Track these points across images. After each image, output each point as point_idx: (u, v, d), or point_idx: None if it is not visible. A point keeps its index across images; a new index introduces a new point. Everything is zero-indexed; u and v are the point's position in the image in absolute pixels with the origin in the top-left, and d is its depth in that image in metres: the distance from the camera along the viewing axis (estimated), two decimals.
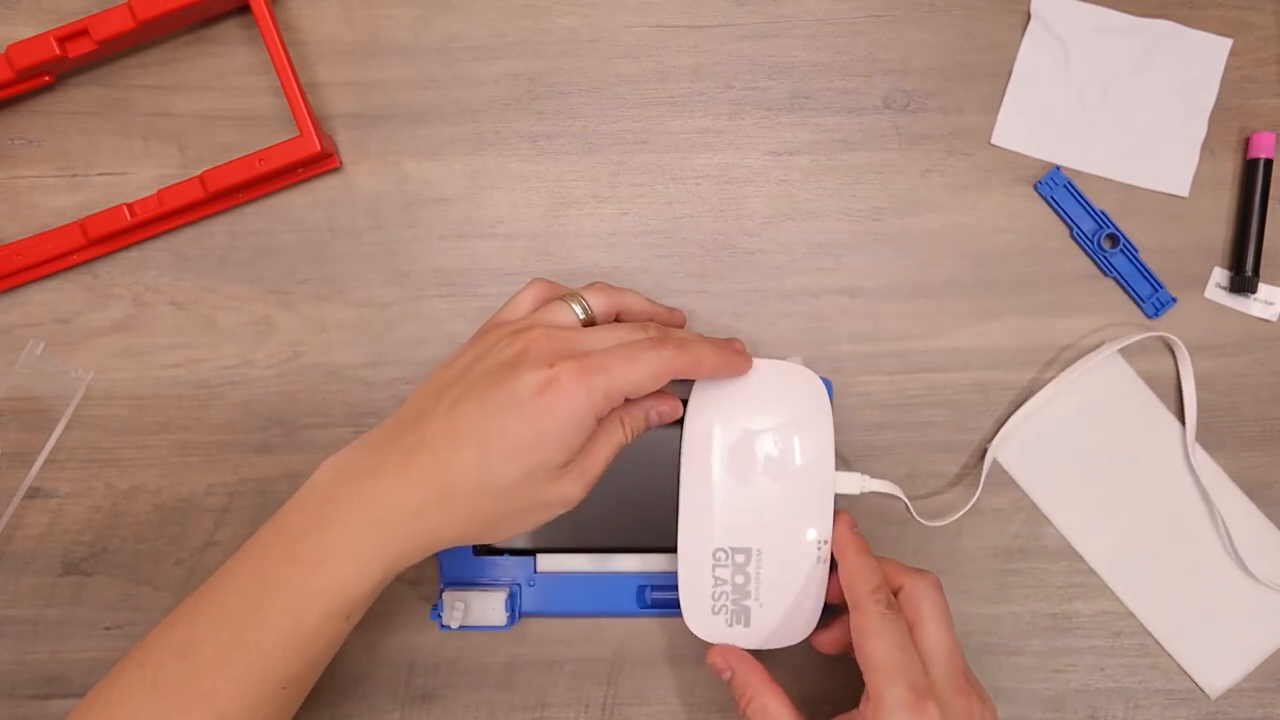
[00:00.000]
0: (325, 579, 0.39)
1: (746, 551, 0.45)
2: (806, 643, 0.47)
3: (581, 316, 0.42)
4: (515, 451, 0.38)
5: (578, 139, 0.53)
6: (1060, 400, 0.52)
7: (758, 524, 0.45)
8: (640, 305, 0.45)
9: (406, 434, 0.39)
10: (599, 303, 0.43)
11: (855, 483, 0.47)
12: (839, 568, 0.45)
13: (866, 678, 0.42)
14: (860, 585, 0.43)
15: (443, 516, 0.39)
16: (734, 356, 0.44)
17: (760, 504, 0.45)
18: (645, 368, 0.39)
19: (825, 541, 0.45)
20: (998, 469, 0.52)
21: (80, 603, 0.52)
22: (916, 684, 0.41)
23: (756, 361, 0.46)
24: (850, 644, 0.43)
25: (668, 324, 0.46)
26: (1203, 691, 0.51)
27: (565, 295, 0.43)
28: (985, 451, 0.52)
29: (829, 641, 0.47)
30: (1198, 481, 0.52)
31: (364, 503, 0.39)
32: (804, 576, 0.45)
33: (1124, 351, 0.52)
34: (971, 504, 0.51)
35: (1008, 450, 0.52)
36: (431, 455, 0.39)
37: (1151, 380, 0.52)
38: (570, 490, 0.41)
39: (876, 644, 0.42)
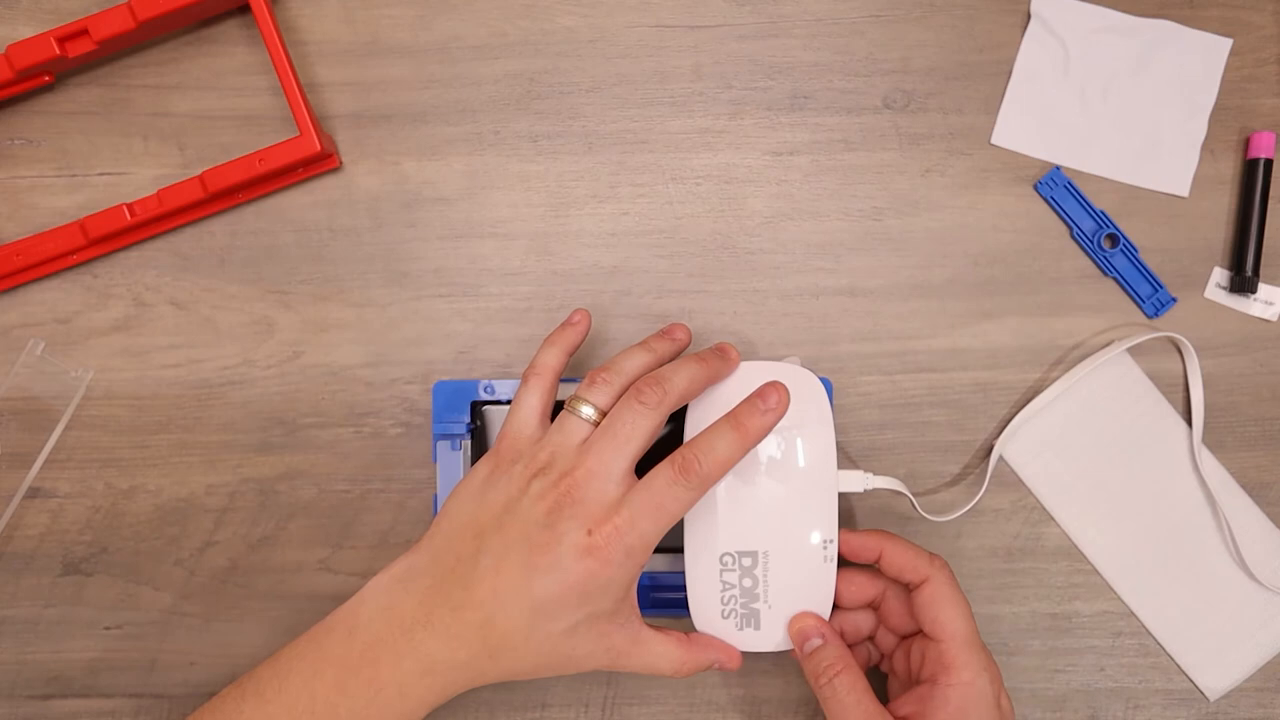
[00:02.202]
0: (374, 714, 0.41)
1: (753, 555, 0.45)
2: None
3: (594, 418, 0.43)
4: (562, 610, 0.41)
5: (578, 139, 0.53)
6: (1066, 398, 0.52)
7: (763, 526, 0.45)
8: (636, 365, 0.44)
9: (453, 588, 0.41)
10: (604, 399, 0.43)
11: (858, 480, 0.47)
12: (884, 557, 0.46)
13: (942, 646, 0.44)
14: (922, 561, 0.45)
15: (489, 666, 0.41)
16: (716, 363, 0.45)
17: (764, 506, 0.45)
18: (664, 482, 0.41)
19: (831, 541, 0.45)
20: (1000, 469, 0.52)
21: (80, 603, 0.52)
22: (985, 648, 0.44)
23: (755, 364, 0.46)
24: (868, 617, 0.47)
25: (669, 352, 0.46)
26: (1202, 693, 0.51)
27: (570, 402, 0.43)
28: (989, 450, 0.52)
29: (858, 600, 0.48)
30: (1203, 483, 0.52)
31: (415, 653, 0.41)
32: (812, 577, 0.45)
33: (1129, 351, 0.52)
34: (977, 499, 0.51)
35: (1013, 448, 0.52)
36: (480, 615, 0.41)
37: (1154, 380, 0.52)
38: (616, 638, 0.43)
39: (954, 614, 0.44)
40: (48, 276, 0.53)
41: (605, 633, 0.42)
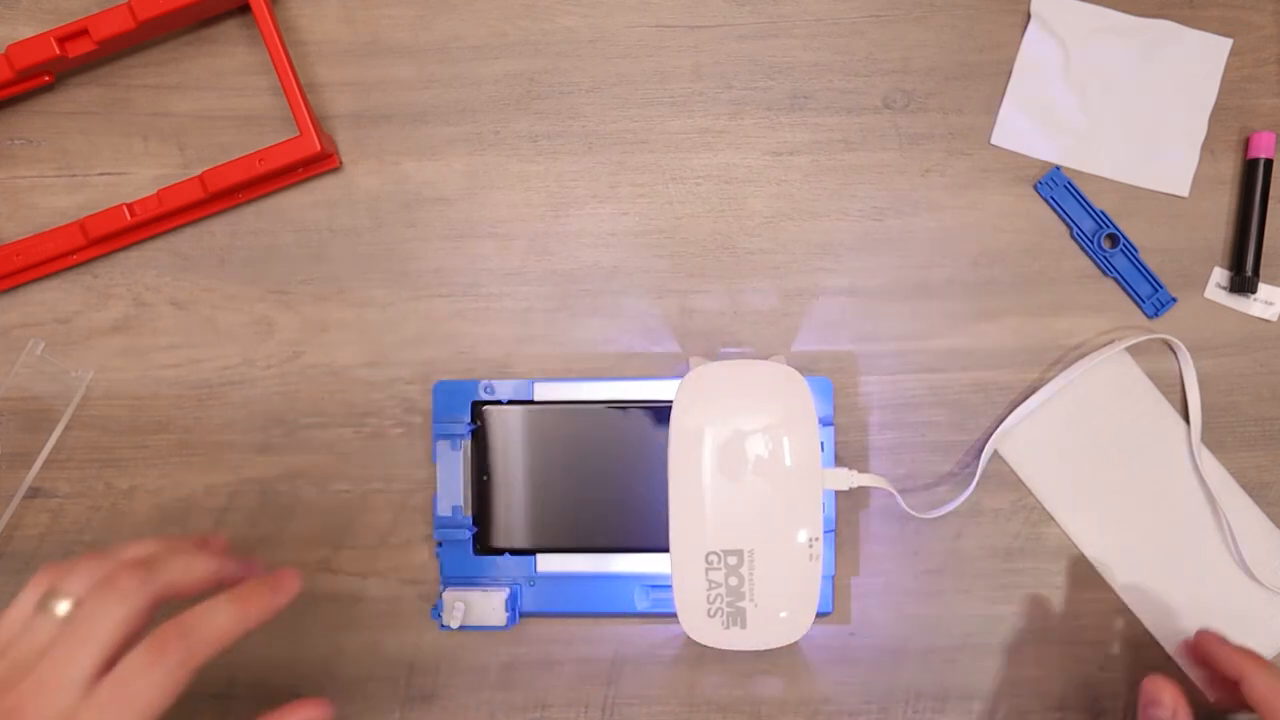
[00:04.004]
0: None
1: (739, 553, 0.45)
2: (803, 641, 0.47)
3: (68, 611, 0.35)
4: None
5: (578, 139, 0.53)
6: (1065, 398, 0.52)
7: (748, 525, 0.45)
8: (133, 551, 0.38)
9: None
10: (82, 586, 0.36)
11: (844, 479, 0.47)
12: (1245, 685, 0.45)
13: None
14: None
15: None
16: (263, 600, 0.39)
17: (750, 505, 0.45)
18: (136, 667, 0.35)
19: (816, 539, 0.45)
20: (1000, 469, 0.52)
21: None
22: None
23: (742, 362, 0.46)
24: None
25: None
26: (1202, 693, 0.51)
27: (44, 596, 0.36)
28: (984, 447, 0.52)
29: None
30: (1203, 483, 0.52)
31: None
32: (797, 576, 0.45)
33: (1128, 350, 0.52)
34: (966, 495, 0.51)
35: (1012, 447, 0.52)
36: None
37: (1154, 379, 0.52)
38: None
39: None
40: (48, 276, 0.53)
41: None
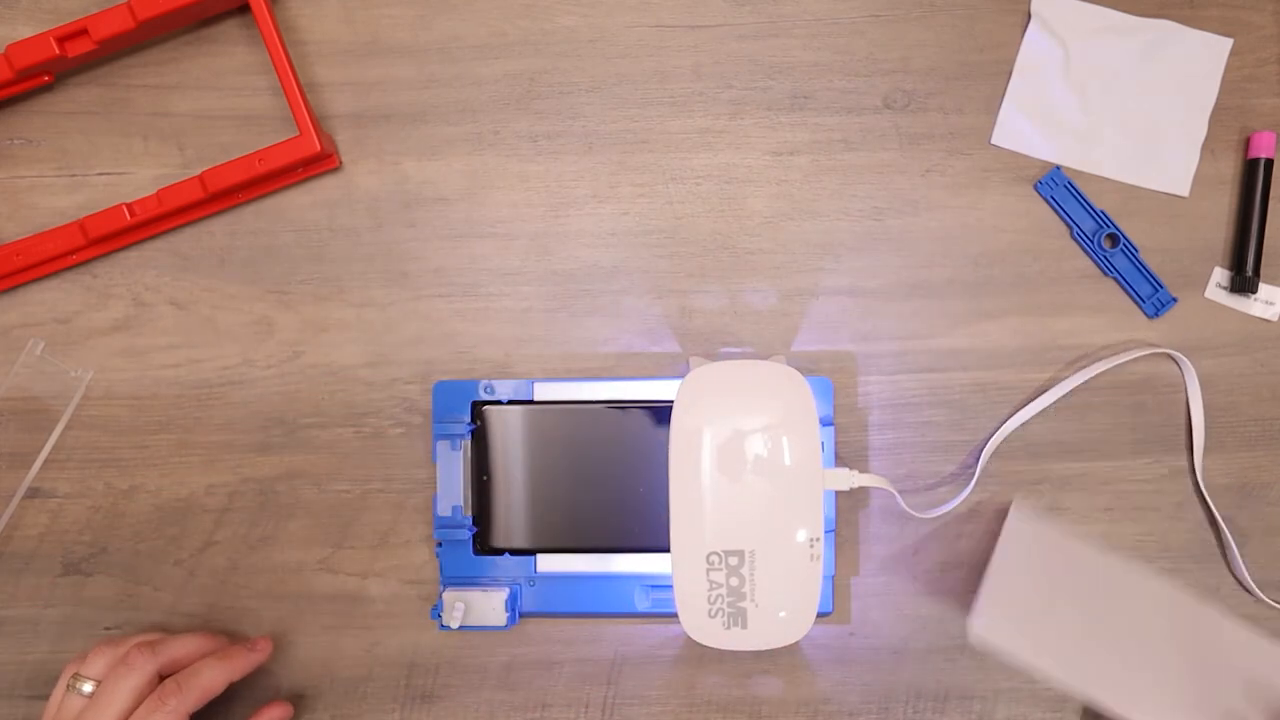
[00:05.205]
0: None
1: (740, 554, 0.45)
2: (803, 641, 0.47)
3: (92, 691, 0.46)
4: None
5: (578, 139, 0.53)
6: (1007, 551, 0.48)
7: (750, 525, 0.45)
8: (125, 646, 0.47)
9: None
10: (98, 669, 0.46)
11: (844, 479, 0.47)
12: None
13: None
14: None
15: None
16: (242, 659, 0.48)
17: (751, 505, 0.45)
18: (144, 712, 0.44)
19: (817, 539, 0.45)
20: (1000, 469, 0.52)
21: (80, 603, 0.52)
22: None
23: (743, 362, 0.46)
24: None
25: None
26: None
27: (72, 679, 0.46)
28: (984, 448, 0.52)
29: None
30: (1206, 502, 0.51)
31: None
32: (798, 576, 0.45)
33: (1127, 364, 0.52)
34: (965, 495, 0.51)
35: (990, 629, 0.47)
36: None
37: (1154, 385, 0.52)
38: None
39: None
40: (48, 276, 0.53)
41: None
